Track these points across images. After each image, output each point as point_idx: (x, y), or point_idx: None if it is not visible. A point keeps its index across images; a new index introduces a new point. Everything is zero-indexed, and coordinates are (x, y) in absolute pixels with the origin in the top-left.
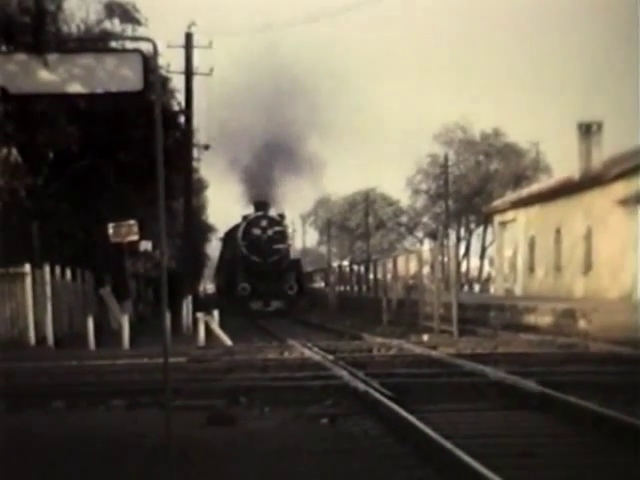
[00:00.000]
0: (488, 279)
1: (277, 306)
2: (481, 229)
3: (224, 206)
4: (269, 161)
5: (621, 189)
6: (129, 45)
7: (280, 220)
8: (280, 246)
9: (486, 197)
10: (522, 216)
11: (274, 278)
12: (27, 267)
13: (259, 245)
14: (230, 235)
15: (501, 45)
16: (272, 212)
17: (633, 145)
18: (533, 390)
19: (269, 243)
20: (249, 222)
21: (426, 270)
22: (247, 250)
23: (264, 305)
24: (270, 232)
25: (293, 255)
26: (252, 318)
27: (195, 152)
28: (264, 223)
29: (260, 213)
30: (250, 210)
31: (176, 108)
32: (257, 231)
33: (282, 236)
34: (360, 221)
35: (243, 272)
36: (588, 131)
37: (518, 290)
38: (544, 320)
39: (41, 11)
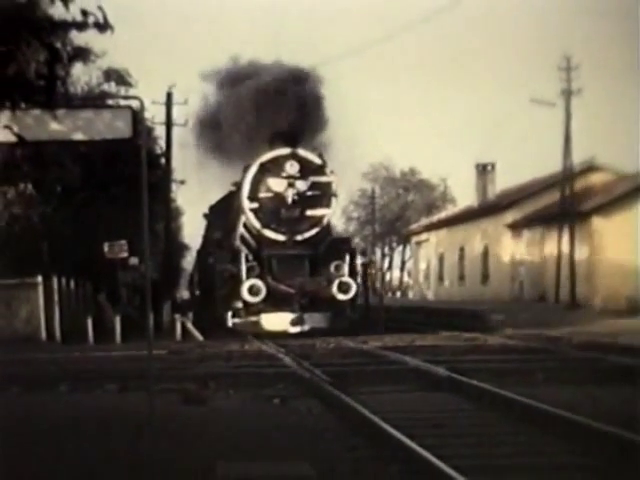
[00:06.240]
0: (407, 287)
1: (316, 323)
2: (401, 247)
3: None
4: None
5: (510, 216)
6: (122, 102)
7: (321, 165)
8: (319, 212)
9: (405, 222)
10: (433, 237)
11: (308, 270)
12: (39, 278)
13: (280, 210)
14: (222, 205)
15: (414, 96)
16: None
17: (518, 182)
18: (443, 375)
19: (299, 206)
20: (263, 165)
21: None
22: (258, 219)
23: (292, 322)
24: (302, 185)
25: None
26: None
27: (173, 186)
28: (292, 168)
29: (285, 151)
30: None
31: (158, 152)
32: (278, 183)
33: (324, 193)
34: None
35: (250, 260)
36: (484, 170)
37: (431, 296)
38: (452, 319)
39: (53, 76)
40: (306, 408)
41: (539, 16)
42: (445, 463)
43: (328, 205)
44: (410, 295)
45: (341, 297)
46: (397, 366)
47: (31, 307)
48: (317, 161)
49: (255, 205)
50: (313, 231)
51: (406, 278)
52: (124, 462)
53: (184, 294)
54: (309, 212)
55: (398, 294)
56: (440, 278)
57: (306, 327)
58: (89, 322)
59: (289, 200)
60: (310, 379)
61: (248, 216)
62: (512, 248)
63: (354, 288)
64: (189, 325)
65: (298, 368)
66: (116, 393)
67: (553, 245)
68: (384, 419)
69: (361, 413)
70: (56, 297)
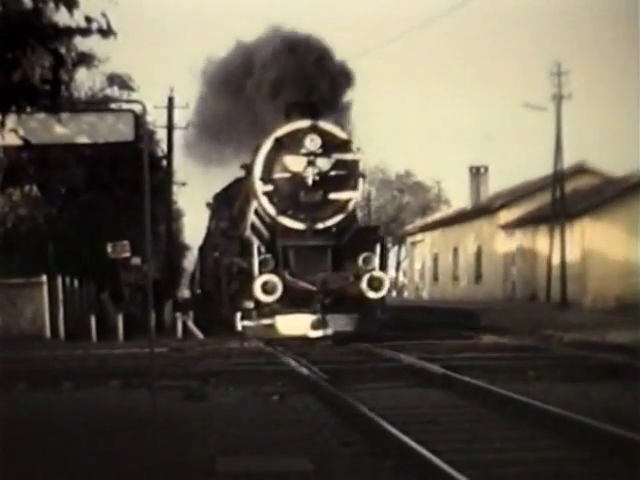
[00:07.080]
0: (402, 286)
1: (340, 326)
2: (396, 248)
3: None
4: None
5: (502, 217)
6: (124, 106)
7: (346, 139)
8: (344, 195)
9: (400, 223)
10: (428, 238)
11: (331, 264)
12: (44, 277)
13: (299, 193)
14: (229, 192)
15: (409, 101)
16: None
17: (510, 184)
18: (437, 372)
19: (321, 188)
20: (279, 141)
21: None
22: (273, 204)
23: (313, 325)
24: (324, 164)
25: None
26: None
27: (174, 188)
28: (312, 144)
29: (304, 123)
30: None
31: (160, 154)
32: (296, 162)
33: (350, 173)
34: None
35: (263, 252)
36: (477, 173)
37: (425, 295)
38: (447, 317)
39: (57, 81)
40: (304, 405)
41: (533, 23)
42: (440, 458)
43: (355, 187)
44: (405, 294)
45: (371, 295)
46: (392, 363)
47: (36, 306)
48: (341, 135)
49: (269, 188)
50: (337, 218)
51: (401, 278)
52: (127, 456)
53: (185, 293)
54: (332, 195)
55: (394, 293)
56: (435, 278)
57: (329, 331)
58: (92, 320)
59: (309, 181)
60: (308, 376)
61: (261, 201)
62: (505, 248)
63: (387, 284)
64: (190, 324)
65: (296, 366)
66: (119, 390)
67: (544, 246)
68: (380, 415)
69: (358, 409)
70: (60, 296)
